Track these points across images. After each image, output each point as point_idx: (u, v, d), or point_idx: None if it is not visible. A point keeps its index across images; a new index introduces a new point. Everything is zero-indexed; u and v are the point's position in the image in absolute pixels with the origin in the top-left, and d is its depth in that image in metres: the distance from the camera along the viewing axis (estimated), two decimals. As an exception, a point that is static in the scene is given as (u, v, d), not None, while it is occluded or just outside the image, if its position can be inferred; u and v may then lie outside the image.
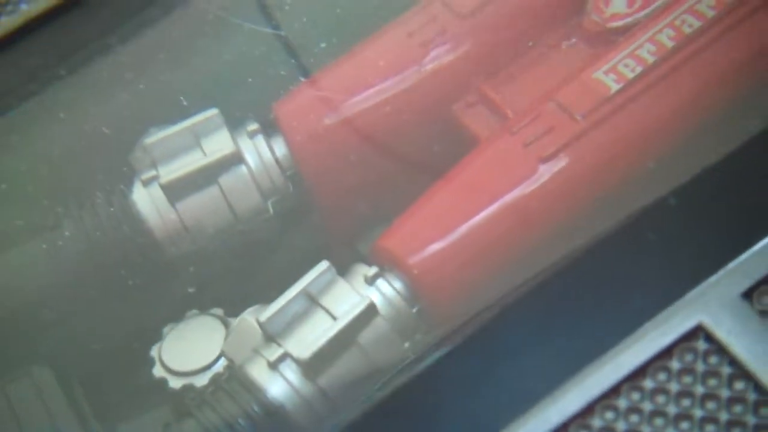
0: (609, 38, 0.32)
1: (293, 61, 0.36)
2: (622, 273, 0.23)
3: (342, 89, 0.35)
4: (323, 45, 0.34)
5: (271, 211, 0.34)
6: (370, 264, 0.30)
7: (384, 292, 0.28)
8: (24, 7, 0.33)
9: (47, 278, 0.31)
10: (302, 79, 0.36)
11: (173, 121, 0.34)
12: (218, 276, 0.34)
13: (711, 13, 0.29)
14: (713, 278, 0.20)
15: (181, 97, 0.34)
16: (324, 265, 0.28)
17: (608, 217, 0.27)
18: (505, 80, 0.34)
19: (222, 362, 0.29)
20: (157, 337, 0.32)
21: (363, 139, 0.34)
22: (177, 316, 0.33)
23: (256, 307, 0.29)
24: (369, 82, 0.35)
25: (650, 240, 0.23)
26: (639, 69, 0.29)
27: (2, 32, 0.33)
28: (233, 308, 0.33)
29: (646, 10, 0.32)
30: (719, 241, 0.22)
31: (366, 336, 0.27)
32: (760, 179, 0.23)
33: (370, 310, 0.27)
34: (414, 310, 0.28)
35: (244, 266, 0.35)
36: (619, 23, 0.33)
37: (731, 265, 0.20)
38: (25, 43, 0.32)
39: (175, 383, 0.29)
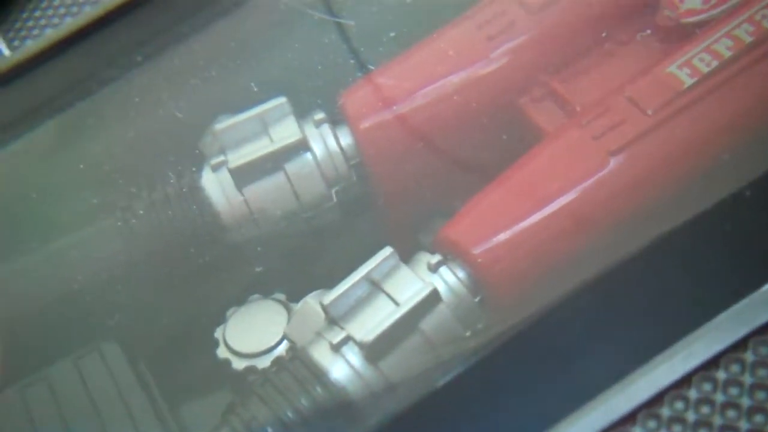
0: (682, 34, 0.32)
1: (361, 50, 0.36)
2: (663, 286, 0.22)
3: (409, 80, 0.35)
4: (392, 34, 0.35)
5: (335, 199, 0.34)
6: (433, 253, 0.30)
7: (447, 280, 0.28)
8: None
9: (118, 256, 0.32)
10: (370, 69, 0.36)
11: (244, 108, 0.35)
12: (281, 261, 0.35)
13: (792, 8, 0.28)
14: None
15: (252, 84, 0.35)
16: (388, 251, 0.28)
17: (674, 215, 0.26)
18: (574, 75, 0.34)
19: (284, 345, 0.30)
20: (221, 319, 0.32)
21: (427, 131, 0.35)
22: (240, 299, 0.33)
23: (318, 291, 0.30)
24: (436, 74, 0.35)
25: (697, 252, 0.23)
26: (715, 63, 0.28)
27: (84, 21, 0.34)
28: (295, 294, 0.33)
29: (723, 7, 0.32)
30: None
31: (428, 322, 0.27)
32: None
33: (433, 297, 0.27)
34: (476, 300, 0.28)
35: (306, 253, 0.35)
36: (694, 19, 0.32)
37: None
38: (106, 32, 0.33)
39: (238, 364, 0.30)
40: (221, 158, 0.33)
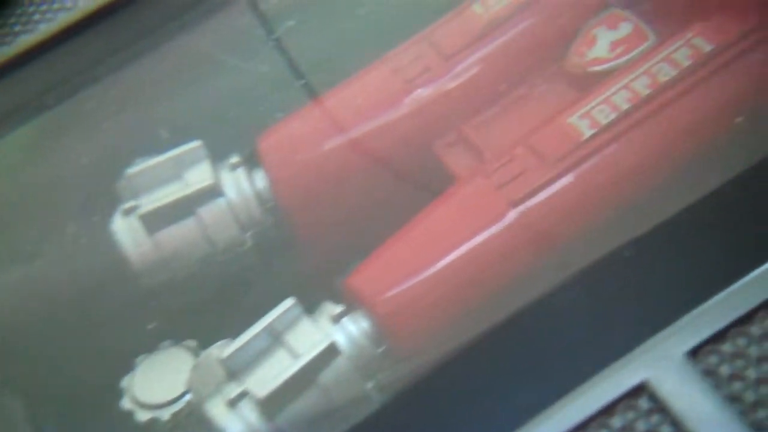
0: (590, 82, 0.33)
1: (279, 94, 0.36)
2: (568, 327, 0.23)
3: (324, 124, 0.35)
4: (303, 81, 0.35)
5: (249, 243, 0.34)
6: (343, 301, 0.30)
7: (349, 331, 0.28)
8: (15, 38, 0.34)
9: (23, 304, 0.32)
10: (288, 112, 0.36)
11: (159, 151, 0.35)
12: (195, 306, 0.35)
13: (687, 63, 0.29)
14: (659, 335, 0.20)
15: (167, 129, 0.35)
16: (290, 302, 0.28)
17: (572, 262, 0.27)
18: (487, 120, 0.34)
19: (188, 397, 0.29)
20: (130, 367, 0.32)
21: (343, 175, 0.35)
22: (152, 346, 0.33)
23: (224, 341, 0.29)
24: (351, 118, 0.35)
25: (598, 294, 0.23)
26: (613, 115, 0.29)
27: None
28: (209, 340, 0.33)
29: (627, 56, 0.32)
30: (667, 298, 0.21)
31: (327, 375, 0.27)
32: (713, 238, 0.22)
33: (331, 350, 0.27)
34: (380, 350, 0.28)
35: (222, 297, 0.35)
36: (600, 68, 0.33)
37: (678, 322, 0.20)
38: (13, 77, 0.33)
39: (141, 416, 0.29)
40: (132, 203, 0.33)
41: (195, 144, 0.34)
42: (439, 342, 0.28)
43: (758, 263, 0.22)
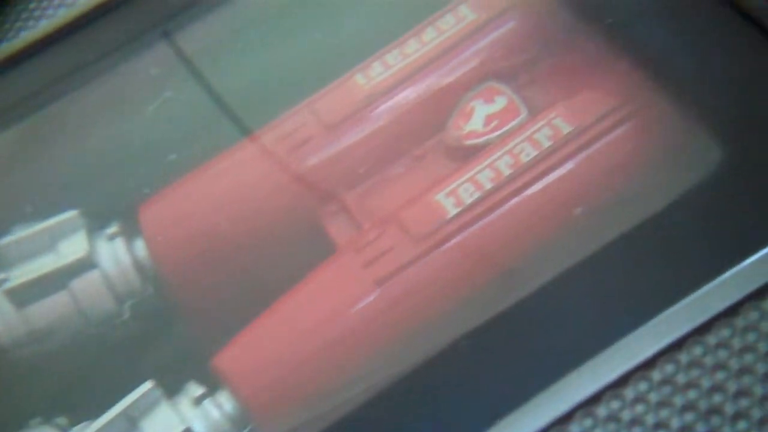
0: (467, 154, 0.33)
1: (162, 162, 0.36)
2: (430, 398, 0.23)
3: (206, 192, 0.35)
4: (168, 156, 0.34)
5: (127, 314, 0.34)
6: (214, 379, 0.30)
7: (209, 415, 0.27)
8: None
9: None
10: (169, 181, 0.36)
11: (39, 218, 0.34)
12: (68, 380, 0.34)
13: (547, 143, 0.29)
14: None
15: (44, 195, 0.34)
16: (147, 385, 0.28)
17: (437, 338, 0.27)
18: (368, 190, 0.35)
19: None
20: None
21: (225, 244, 0.35)
22: (22, 423, 0.32)
23: (85, 423, 0.29)
24: (233, 186, 0.35)
25: (456, 370, 0.23)
26: (477, 194, 0.29)
27: None
28: (80, 418, 0.32)
29: (500, 131, 0.33)
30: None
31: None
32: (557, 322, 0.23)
33: (185, 437, 0.26)
34: (246, 431, 0.28)
35: (98, 369, 0.34)
36: (475, 141, 0.33)
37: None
38: None
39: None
40: (1, 276, 0.32)
41: (70, 214, 0.34)
42: (307, 417, 0.28)
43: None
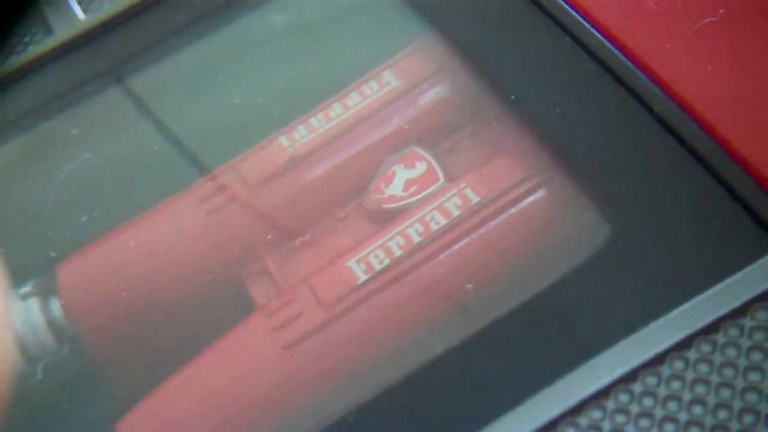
0: (386, 218, 0.33)
1: (82, 221, 0.36)
2: None
3: (126, 252, 0.35)
4: (84, 219, 0.34)
5: (39, 375, 0.33)
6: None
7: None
8: None
9: None
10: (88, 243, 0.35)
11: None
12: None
13: (456, 212, 0.30)
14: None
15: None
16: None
17: (342, 401, 0.27)
18: (290, 252, 0.35)
19: None
20: None
21: (145, 304, 0.34)
22: None
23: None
24: (156, 247, 0.35)
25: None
26: (387, 261, 0.29)
27: None
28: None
29: (418, 196, 0.33)
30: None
31: None
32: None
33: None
34: (146, 499, 0.28)
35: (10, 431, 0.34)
36: (394, 205, 0.34)
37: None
38: None
39: None
40: None
41: (-16, 273, 0.33)
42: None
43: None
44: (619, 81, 0.26)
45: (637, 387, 0.22)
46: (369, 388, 0.27)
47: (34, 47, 0.40)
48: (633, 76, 0.26)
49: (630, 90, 0.26)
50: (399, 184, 0.34)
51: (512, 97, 0.29)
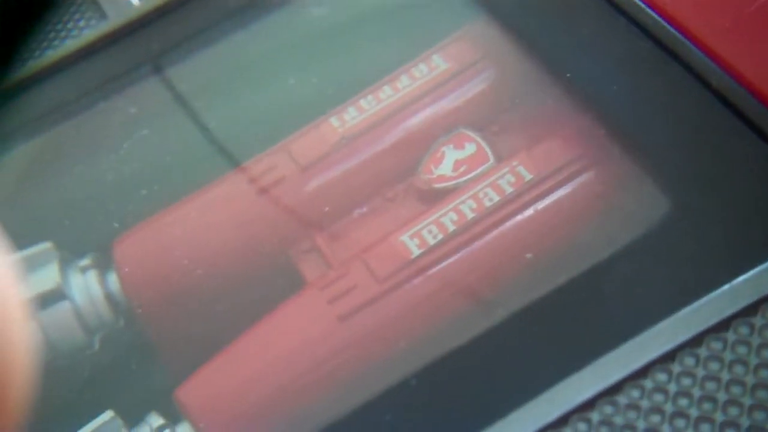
0: (436, 198, 0.34)
1: (137, 199, 0.37)
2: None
3: (180, 229, 0.36)
4: (143, 192, 0.35)
5: (97, 346, 0.34)
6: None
7: (169, 445, 0.28)
8: None
9: None
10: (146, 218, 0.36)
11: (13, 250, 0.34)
12: (34, 411, 0.34)
13: (509, 190, 0.30)
14: None
15: (15, 230, 0.35)
16: (108, 415, 0.28)
17: (396, 372, 0.27)
18: (340, 231, 0.35)
19: None
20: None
21: (199, 279, 0.35)
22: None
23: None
24: (208, 225, 0.36)
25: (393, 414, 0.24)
26: (440, 236, 0.30)
27: None
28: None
29: (468, 176, 0.34)
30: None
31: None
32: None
33: (142, 467, 0.27)
34: (205, 464, 0.28)
35: (66, 401, 0.35)
36: (444, 185, 0.34)
37: None
38: None
39: None
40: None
41: (44, 245, 0.34)
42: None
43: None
44: (675, 57, 0.27)
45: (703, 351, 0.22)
46: (422, 359, 0.28)
47: (89, 31, 0.41)
48: (689, 52, 0.26)
49: (686, 66, 0.26)
50: (448, 164, 0.35)
51: (567, 75, 0.30)
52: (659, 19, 0.28)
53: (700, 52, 0.26)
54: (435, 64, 0.37)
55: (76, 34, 0.42)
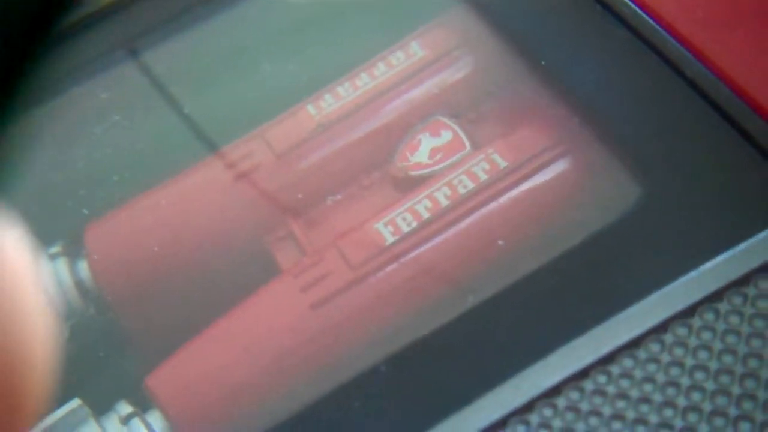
0: (411, 185, 0.34)
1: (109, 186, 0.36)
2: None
3: (152, 216, 0.35)
4: (115, 178, 0.35)
5: (67, 334, 0.34)
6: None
7: (137, 433, 0.27)
8: None
9: None
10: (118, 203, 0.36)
11: None
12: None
13: (483, 177, 0.30)
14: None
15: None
16: (75, 403, 0.27)
17: (366, 358, 0.27)
18: (315, 218, 0.35)
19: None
20: None
21: (171, 265, 0.35)
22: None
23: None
24: (181, 210, 0.35)
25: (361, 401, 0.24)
26: (414, 224, 0.30)
27: None
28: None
29: (444, 163, 0.33)
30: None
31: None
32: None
33: (107, 455, 0.26)
34: (175, 452, 0.28)
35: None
36: (420, 172, 0.34)
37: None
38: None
39: None
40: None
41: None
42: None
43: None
44: (650, 47, 0.27)
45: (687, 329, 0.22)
46: (395, 345, 0.27)
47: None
48: (664, 41, 0.26)
49: (661, 55, 0.26)
50: (424, 151, 0.35)
51: (542, 62, 0.30)
52: (635, 8, 0.28)
53: (676, 41, 0.26)
54: (412, 52, 0.37)
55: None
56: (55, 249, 0.34)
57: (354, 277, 0.29)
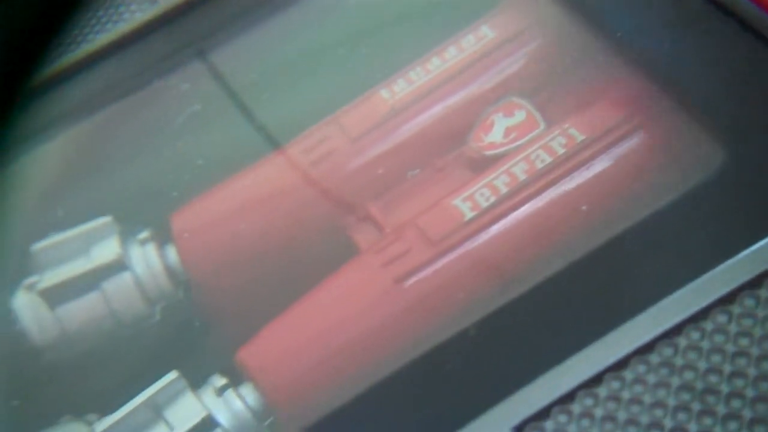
0: (486, 165, 0.34)
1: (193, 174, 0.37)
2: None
3: (235, 201, 0.36)
4: (200, 162, 0.36)
5: (158, 316, 0.35)
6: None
7: (231, 404, 0.28)
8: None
9: None
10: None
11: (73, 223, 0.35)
12: (101, 379, 0.35)
13: (561, 150, 0.30)
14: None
15: (75, 203, 0.36)
16: (173, 375, 0.28)
17: (449, 329, 0.28)
18: (392, 199, 0.36)
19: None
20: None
21: (255, 249, 0.36)
22: (53, 420, 0.33)
23: (114, 415, 0.30)
24: (263, 195, 0.36)
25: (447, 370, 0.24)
26: (493, 198, 0.30)
27: None
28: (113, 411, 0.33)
29: (519, 142, 0.34)
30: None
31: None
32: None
33: (206, 423, 0.27)
34: (266, 423, 0.29)
35: (129, 369, 0.35)
36: (494, 152, 0.34)
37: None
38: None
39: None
40: (35, 278, 0.34)
41: (104, 219, 0.35)
42: (328, 409, 0.29)
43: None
44: (724, 11, 0.26)
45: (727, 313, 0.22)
46: (477, 318, 0.28)
47: (141, 15, 0.42)
48: (740, 4, 0.26)
49: (737, 18, 0.26)
50: (499, 131, 0.35)
51: (618, 34, 0.30)
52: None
53: (752, 3, 0.26)
54: (482, 34, 0.37)
55: (128, 17, 0.43)
56: (144, 235, 0.35)
57: (435, 252, 0.30)
